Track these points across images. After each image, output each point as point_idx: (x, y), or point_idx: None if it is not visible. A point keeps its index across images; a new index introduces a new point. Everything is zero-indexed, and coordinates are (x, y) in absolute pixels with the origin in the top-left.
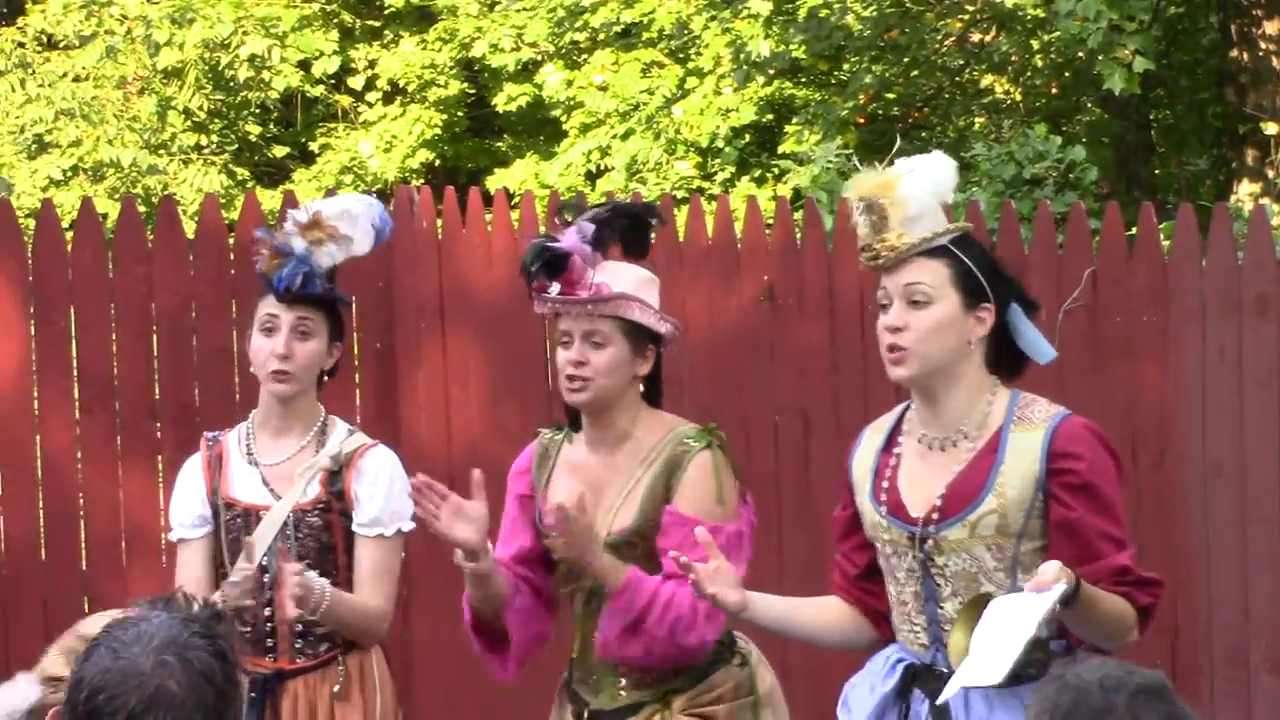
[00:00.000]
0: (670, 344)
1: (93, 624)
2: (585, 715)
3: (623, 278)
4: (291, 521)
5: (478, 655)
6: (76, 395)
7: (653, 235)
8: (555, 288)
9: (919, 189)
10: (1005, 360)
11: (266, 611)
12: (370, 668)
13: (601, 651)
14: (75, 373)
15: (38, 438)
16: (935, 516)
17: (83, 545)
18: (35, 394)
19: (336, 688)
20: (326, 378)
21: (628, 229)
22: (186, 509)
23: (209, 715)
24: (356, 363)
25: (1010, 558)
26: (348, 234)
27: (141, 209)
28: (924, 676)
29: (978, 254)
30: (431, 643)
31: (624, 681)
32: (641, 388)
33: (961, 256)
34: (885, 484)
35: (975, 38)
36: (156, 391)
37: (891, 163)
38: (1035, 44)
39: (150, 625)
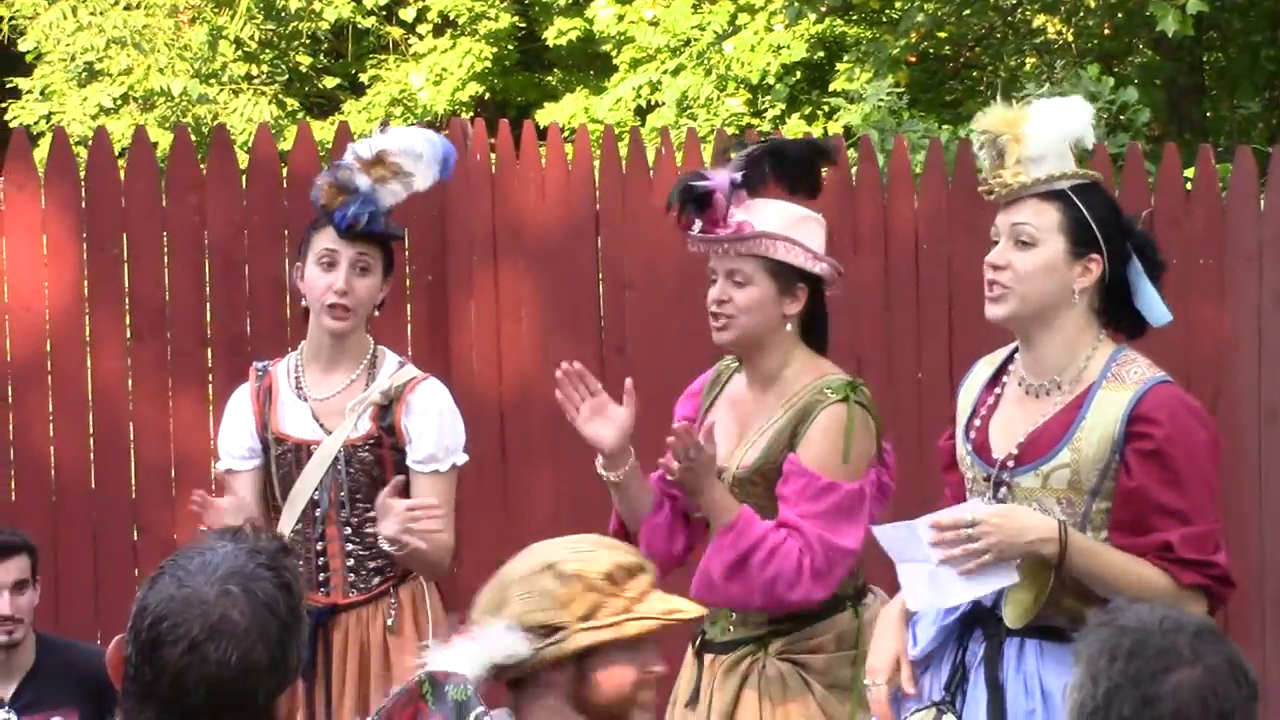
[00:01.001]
0: (832, 285)
1: (532, 559)
2: (699, 642)
3: (770, 215)
4: (343, 457)
5: None
6: (128, 323)
7: (823, 173)
8: (699, 225)
9: (1044, 129)
10: (1124, 320)
11: (319, 547)
12: (423, 599)
13: (697, 587)
14: (127, 301)
15: (89, 365)
16: (1012, 462)
17: (132, 474)
18: (87, 321)
19: (390, 621)
20: (376, 311)
21: (792, 166)
22: (236, 440)
23: (271, 646)
24: (409, 294)
25: (1081, 514)
26: (411, 171)
27: (192, 138)
28: (986, 619)
29: (1099, 203)
30: (480, 580)
31: (734, 616)
32: (792, 328)
33: (1077, 203)
34: (979, 420)
35: None
36: (208, 321)
37: (1029, 101)
38: None
39: (216, 555)
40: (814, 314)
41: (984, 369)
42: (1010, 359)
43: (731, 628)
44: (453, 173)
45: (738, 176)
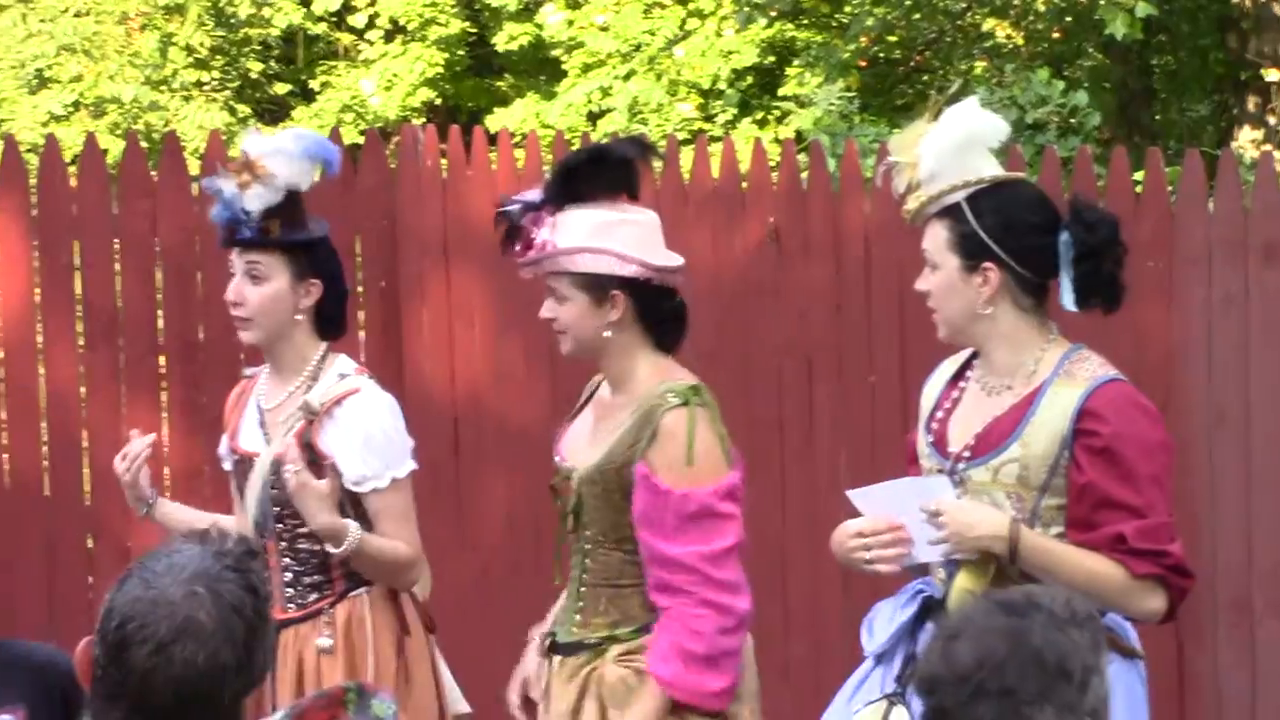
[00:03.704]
0: (670, 281)
1: None
2: (549, 644)
3: (575, 228)
4: (272, 470)
5: None
6: (81, 330)
7: (641, 170)
8: (517, 247)
9: (935, 146)
10: (1099, 296)
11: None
12: (363, 617)
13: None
14: (80, 308)
15: (42, 372)
16: (966, 455)
17: (86, 481)
18: (40, 329)
19: (324, 642)
20: (299, 317)
21: (609, 169)
22: (222, 441)
23: (237, 648)
24: (361, 301)
25: (1030, 510)
26: (274, 172)
27: (143, 145)
28: (937, 611)
29: (990, 208)
30: (434, 587)
31: (577, 618)
32: (617, 334)
33: (966, 215)
34: (940, 414)
35: None
36: (160, 327)
37: (937, 114)
38: None
39: (182, 557)
40: (653, 315)
41: (948, 366)
42: (975, 355)
43: (574, 629)
44: (404, 178)
45: (536, 196)
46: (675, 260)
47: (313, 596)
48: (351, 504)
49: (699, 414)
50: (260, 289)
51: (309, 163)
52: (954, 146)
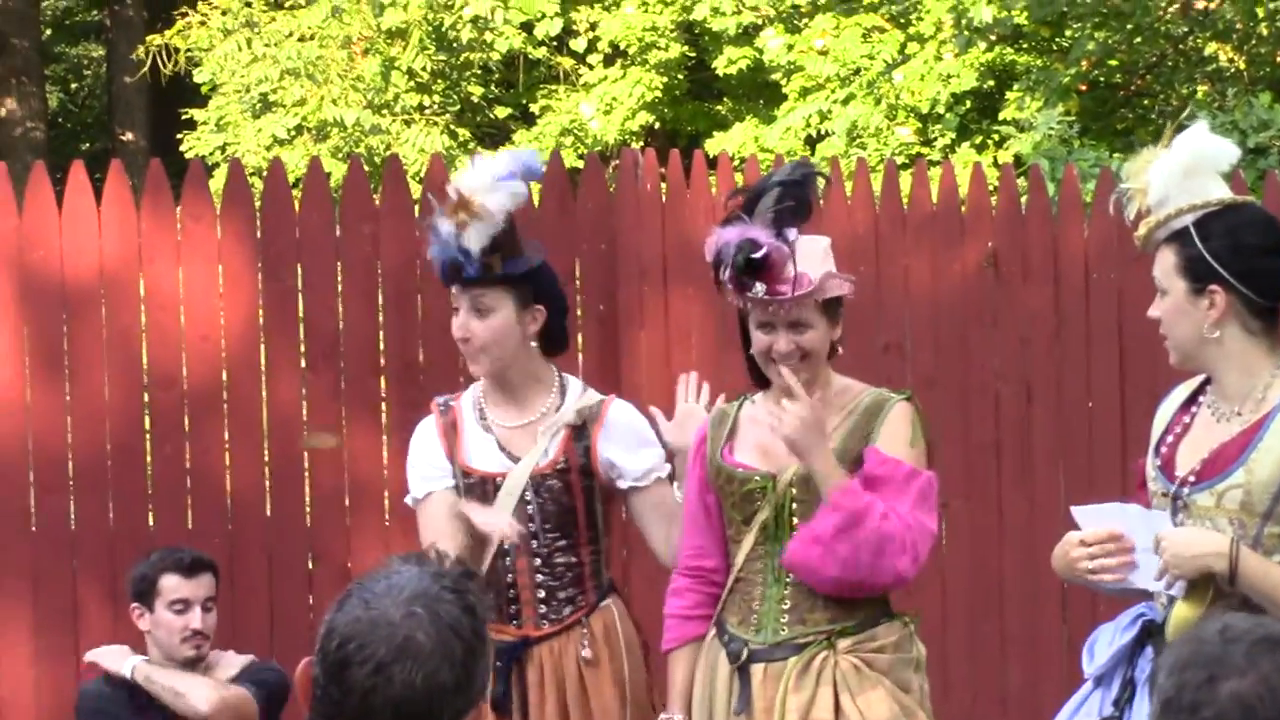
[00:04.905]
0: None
1: None
2: (745, 655)
3: (813, 257)
4: (531, 486)
5: None
6: (303, 352)
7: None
8: (759, 287)
9: (1163, 170)
10: None
11: (509, 578)
12: (615, 627)
13: (790, 558)
14: (302, 330)
15: (264, 393)
16: (1191, 479)
17: (307, 501)
18: (263, 350)
19: (586, 653)
20: (532, 344)
21: (801, 194)
22: (429, 464)
23: (456, 668)
24: (579, 323)
25: (1252, 536)
26: (491, 208)
27: (365, 169)
28: (1157, 636)
29: (1217, 230)
30: (650, 601)
31: (785, 616)
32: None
33: (1194, 238)
34: (1170, 439)
35: (1199, 4)
36: (381, 349)
37: (1169, 141)
38: (1260, 11)
39: (401, 578)
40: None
41: (1181, 391)
42: (1208, 382)
43: (785, 628)
44: (623, 201)
45: (789, 233)
46: None
47: (567, 610)
48: (605, 502)
49: (916, 411)
50: (488, 322)
51: (515, 188)
52: (1181, 170)
